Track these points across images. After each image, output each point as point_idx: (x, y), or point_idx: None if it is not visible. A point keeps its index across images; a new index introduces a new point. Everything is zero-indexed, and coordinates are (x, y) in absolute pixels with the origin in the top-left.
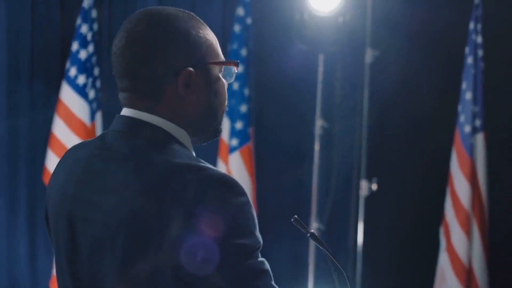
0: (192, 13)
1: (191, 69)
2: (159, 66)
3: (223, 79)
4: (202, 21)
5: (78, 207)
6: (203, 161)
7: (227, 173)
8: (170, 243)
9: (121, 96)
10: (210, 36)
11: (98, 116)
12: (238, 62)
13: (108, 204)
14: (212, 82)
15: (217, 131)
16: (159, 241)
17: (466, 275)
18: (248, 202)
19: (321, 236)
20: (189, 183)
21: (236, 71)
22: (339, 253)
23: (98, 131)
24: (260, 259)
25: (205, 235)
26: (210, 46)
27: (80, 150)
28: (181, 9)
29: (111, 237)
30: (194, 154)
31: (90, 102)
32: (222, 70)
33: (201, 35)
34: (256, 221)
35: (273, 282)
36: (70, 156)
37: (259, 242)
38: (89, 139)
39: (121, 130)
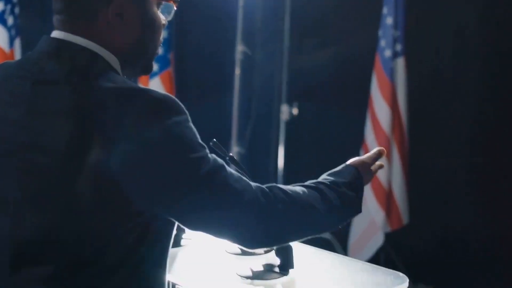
0: None
1: None
2: None
3: (160, 15)
4: None
5: (1, 128)
6: (139, 85)
7: (168, 94)
8: (112, 166)
9: (55, 18)
10: None
11: (17, 42)
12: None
13: (38, 127)
14: (146, 16)
15: (147, 68)
16: (99, 165)
17: (386, 199)
18: (189, 119)
19: (242, 160)
20: (130, 106)
21: (175, 8)
22: (259, 176)
23: (17, 57)
24: (211, 158)
25: (155, 156)
26: None
27: (3, 72)
28: None
29: (35, 158)
30: None
31: (8, 29)
32: (161, 5)
33: None
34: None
35: (230, 170)
36: None
37: (208, 152)
38: (11, 60)
39: (51, 52)
